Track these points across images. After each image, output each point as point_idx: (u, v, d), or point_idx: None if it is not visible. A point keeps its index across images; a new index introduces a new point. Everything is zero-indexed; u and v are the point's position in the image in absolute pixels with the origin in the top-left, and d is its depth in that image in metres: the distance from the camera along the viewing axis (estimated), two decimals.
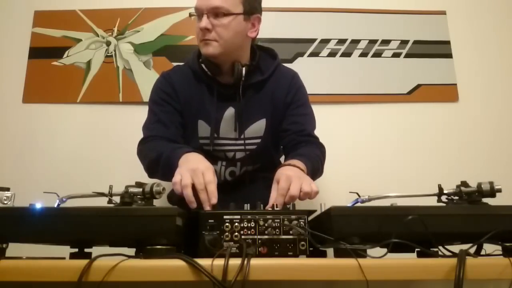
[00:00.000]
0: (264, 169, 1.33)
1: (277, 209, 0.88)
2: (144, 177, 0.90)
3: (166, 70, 1.40)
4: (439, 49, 2.00)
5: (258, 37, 1.35)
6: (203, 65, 1.28)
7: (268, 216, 0.83)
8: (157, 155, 1.15)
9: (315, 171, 1.20)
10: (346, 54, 1.99)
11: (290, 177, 0.99)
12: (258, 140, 1.30)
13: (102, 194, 0.88)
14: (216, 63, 1.26)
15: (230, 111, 1.30)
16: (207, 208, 0.92)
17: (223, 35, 1.22)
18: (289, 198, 0.96)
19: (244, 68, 1.26)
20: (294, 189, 0.96)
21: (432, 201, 0.89)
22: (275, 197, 0.98)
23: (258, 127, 1.31)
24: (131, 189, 0.85)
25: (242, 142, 1.30)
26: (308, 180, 1.01)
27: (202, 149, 1.28)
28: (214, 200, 0.93)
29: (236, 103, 1.28)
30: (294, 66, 1.65)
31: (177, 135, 1.27)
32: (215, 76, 1.29)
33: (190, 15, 1.27)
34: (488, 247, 0.81)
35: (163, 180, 1.22)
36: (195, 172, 0.96)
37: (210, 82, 1.30)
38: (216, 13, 1.20)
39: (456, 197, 0.90)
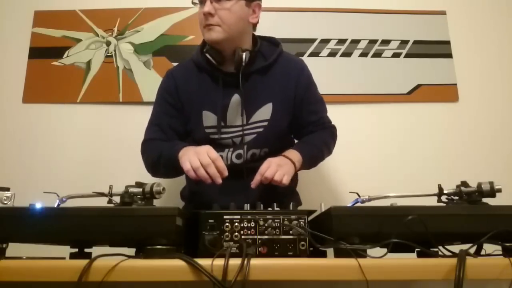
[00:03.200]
0: (271, 153, 1.32)
1: (277, 209, 0.88)
2: (144, 177, 0.90)
3: (171, 68, 1.44)
4: (439, 49, 2.00)
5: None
6: (207, 55, 1.30)
7: (268, 216, 0.83)
8: (158, 156, 1.24)
9: (314, 157, 1.34)
10: (346, 54, 1.99)
11: (271, 162, 1.16)
12: (265, 123, 1.31)
13: (102, 194, 0.89)
14: (219, 50, 1.29)
15: (235, 98, 1.30)
16: (219, 181, 1.05)
17: (226, 19, 1.24)
18: (264, 179, 1.12)
19: (245, 54, 1.27)
20: (268, 172, 1.12)
21: (432, 201, 0.89)
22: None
23: (264, 111, 1.32)
24: (131, 189, 0.86)
25: (249, 127, 1.31)
26: (284, 171, 1.15)
27: (208, 138, 1.31)
28: (225, 173, 1.07)
29: (240, 90, 1.29)
30: None
31: (173, 138, 1.32)
32: (219, 65, 1.31)
33: (193, 2, 1.28)
34: (488, 247, 0.81)
35: (166, 178, 1.23)
36: (199, 154, 1.07)
37: (214, 71, 1.32)
38: None
39: (456, 197, 0.90)
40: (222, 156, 1.29)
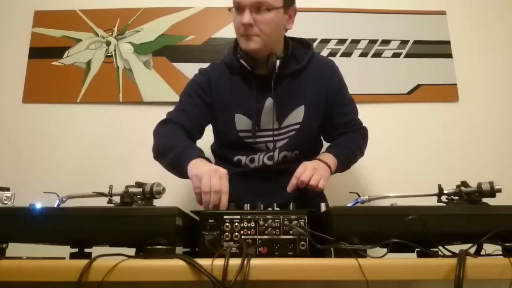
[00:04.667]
0: (302, 155, 1.32)
1: (277, 209, 0.88)
2: (144, 177, 0.90)
3: (203, 67, 1.42)
4: (439, 49, 2.00)
5: None
6: (241, 60, 1.29)
7: (268, 216, 0.83)
8: (170, 145, 1.18)
9: (348, 159, 1.32)
10: (346, 54, 1.99)
11: (306, 166, 1.13)
12: (297, 126, 1.31)
13: (102, 194, 0.89)
14: (254, 57, 1.28)
15: (269, 102, 1.31)
16: (211, 207, 0.96)
17: (266, 30, 1.23)
18: (300, 183, 1.10)
19: (278, 61, 1.27)
20: (305, 176, 1.10)
21: (432, 201, 0.89)
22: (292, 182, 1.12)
23: (297, 114, 1.32)
24: (131, 189, 0.86)
25: (282, 131, 1.31)
26: (320, 174, 1.12)
27: (242, 141, 1.31)
28: (224, 209, 0.95)
29: (273, 93, 1.29)
30: None
31: (195, 128, 1.30)
32: (253, 69, 1.30)
33: (229, 9, 1.26)
34: (488, 247, 0.81)
35: (165, 168, 1.22)
36: (215, 173, 0.99)
37: (247, 75, 1.31)
38: (259, 8, 1.21)
39: (456, 197, 0.90)
40: (254, 158, 1.32)
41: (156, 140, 1.26)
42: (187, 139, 1.24)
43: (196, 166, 1.05)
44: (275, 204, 0.89)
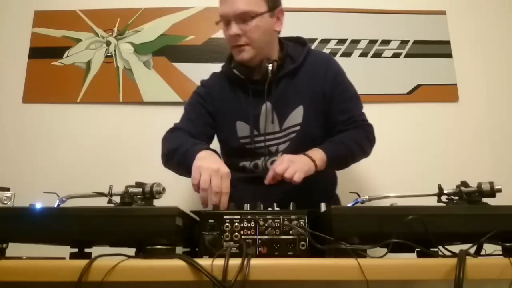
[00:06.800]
0: None
1: (277, 209, 0.88)
2: (144, 177, 0.90)
3: (204, 79, 1.44)
4: (439, 49, 2.00)
5: None
6: (234, 71, 1.31)
7: (268, 216, 0.83)
8: (177, 145, 1.18)
9: (342, 156, 1.24)
10: (346, 54, 1.99)
11: (283, 158, 1.11)
12: (297, 128, 1.30)
13: (102, 194, 0.88)
14: (247, 65, 1.29)
15: (265, 106, 1.31)
16: (210, 207, 0.93)
17: (254, 38, 1.24)
18: (275, 174, 1.07)
19: (271, 65, 1.27)
20: (279, 168, 1.06)
21: (432, 201, 0.89)
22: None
23: (296, 115, 1.31)
24: (131, 189, 0.86)
25: (283, 134, 1.31)
26: (296, 167, 1.07)
27: (244, 148, 1.31)
28: (223, 209, 0.93)
29: (271, 97, 1.29)
30: None
31: (202, 134, 1.30)
32: (247, 76, 1.31)
33: (217, 23, 1.27)
34: (488, 247, 0.81)
35: (176, 172, 1.21)
36: (216, 173, 0.97)
37: (243, 82, 1.32)
38: (244, 17, 1.21)
39: (456, 197, 0.90)
40: (257, 164, 1.31)
41: (164, 147, 1.26)
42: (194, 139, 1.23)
43: (200, 158, 1.04)
44: (275, 204, 0.89)
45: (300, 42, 1.39)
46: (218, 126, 1.36)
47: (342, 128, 1.30)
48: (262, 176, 1.11)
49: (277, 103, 1.30)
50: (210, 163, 0.99)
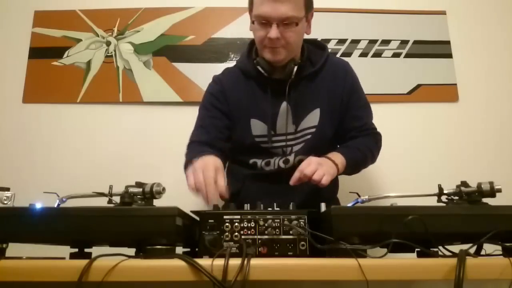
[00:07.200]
0: None
1: (277, 209, 0.88)
2: (144, 177, 0.90)
3: (217, 74, 1.43)
4: (439, 49, 2.00)
5: None
6: (259, 67, 1.29)
7: (268, 216, 0.83)
8: (189, 160, 1.16)
9: (357, 161, 1.29)
10: (346, 54, 1.99)
11: (311, 160, 1.11)
12: (313, 130, 1.31)
13: (102, 194, 0.88)
14: (275, 65, 1.28)
15: (284, 106, 1.31)
16: (214, 202, 0.91)
17: (292, 41, 1.23)
18: (303, 176, 1.07)
19: (296, 67, 1.27)
20: (308, 170, 1.07)
21: (432, 201, 0.89)
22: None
23: (312, 117, 1.31)
24: (131, 189, 0.86)
25: (298, 135, 1.31)
26: (324, 170, 1.09)
27: (258, 146, 1.31)
28: (226, 195, 0.94)
29: (289, 97, 1.29)
30: None
31: (218, 139, 1.29)
32: (269, 74, 1.30)
33: (253, 22, 1.25)
34: (488, 247, 0.81)
35: None
36: (207, 167, 0.97)
37: (262, 79, 1.31)
38: (287, 22, 1.20)
39: (456, 197, 0.90)
40: (269, 162, 1.31)
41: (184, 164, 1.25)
42: (207, 148, 1.21)
43: (193, 164, 1.03)
44: (275, 204, 0.89)
45: (319, 46, 1.40)
46: (232, 123, 1.35)
47: (355, 135, 1.34)
48: (271, 174, 1.12)
49: (295, 104, 1.30)
50: (200, 163, 1.00)
